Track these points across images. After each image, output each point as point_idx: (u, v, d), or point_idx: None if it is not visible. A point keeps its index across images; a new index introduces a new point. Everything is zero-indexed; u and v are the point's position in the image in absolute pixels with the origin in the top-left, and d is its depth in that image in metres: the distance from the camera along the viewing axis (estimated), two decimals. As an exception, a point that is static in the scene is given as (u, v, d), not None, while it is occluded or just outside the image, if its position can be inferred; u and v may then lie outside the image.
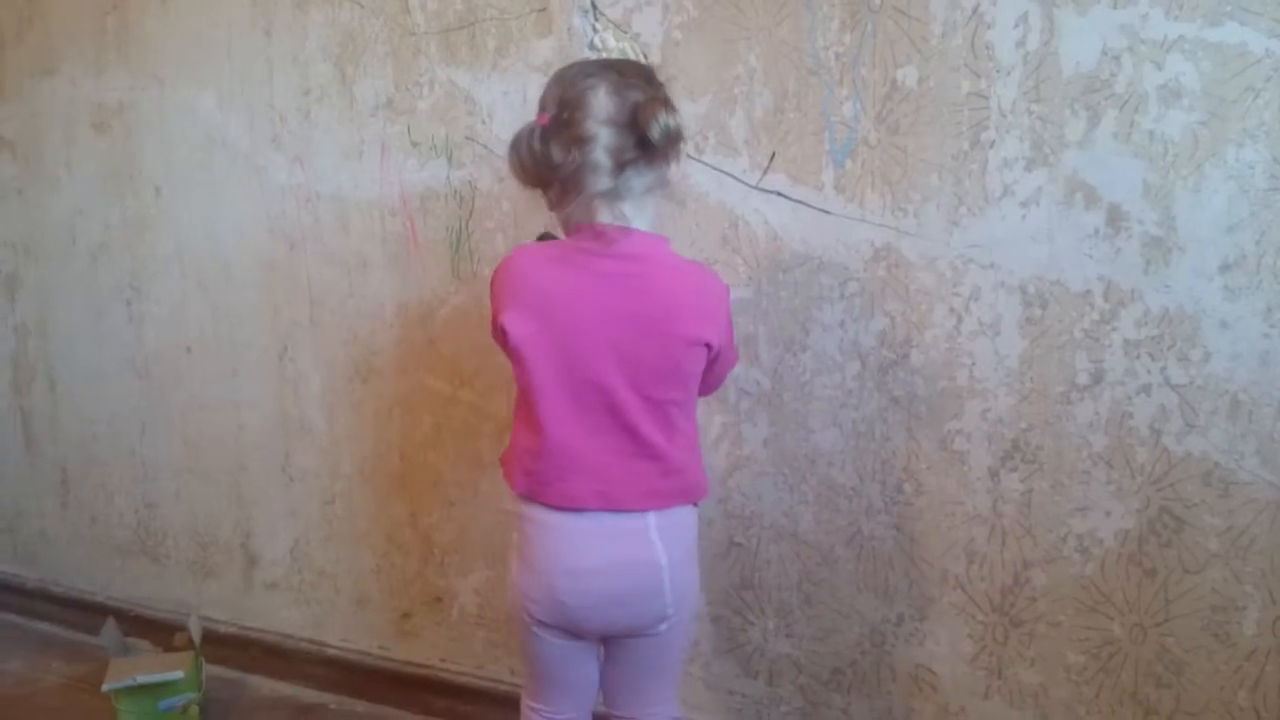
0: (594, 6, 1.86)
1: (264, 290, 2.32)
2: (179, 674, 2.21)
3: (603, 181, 1.37)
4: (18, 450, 2.85)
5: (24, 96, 2.64)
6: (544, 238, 1.54)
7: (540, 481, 1.44)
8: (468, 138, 2.02)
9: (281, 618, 2.43)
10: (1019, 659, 1.67)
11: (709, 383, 1.49)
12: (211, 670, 2.43)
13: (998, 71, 1.57)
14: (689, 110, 1.80)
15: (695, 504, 1.50)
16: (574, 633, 1.48)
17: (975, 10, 1.57)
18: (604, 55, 1.78)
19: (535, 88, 1.90)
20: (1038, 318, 1.58)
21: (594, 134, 1.36)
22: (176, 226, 2.43)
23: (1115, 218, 1.52)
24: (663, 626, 1.48)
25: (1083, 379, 1.57)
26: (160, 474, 2.58)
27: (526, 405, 1.44)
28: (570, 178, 1.38)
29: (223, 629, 2.49)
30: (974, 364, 1.63)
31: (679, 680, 1.57)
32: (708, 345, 1.42)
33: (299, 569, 2.39)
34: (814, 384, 1.76)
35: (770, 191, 1.75)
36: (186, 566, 2.58)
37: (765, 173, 1.75)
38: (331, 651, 2.37)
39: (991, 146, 1.58)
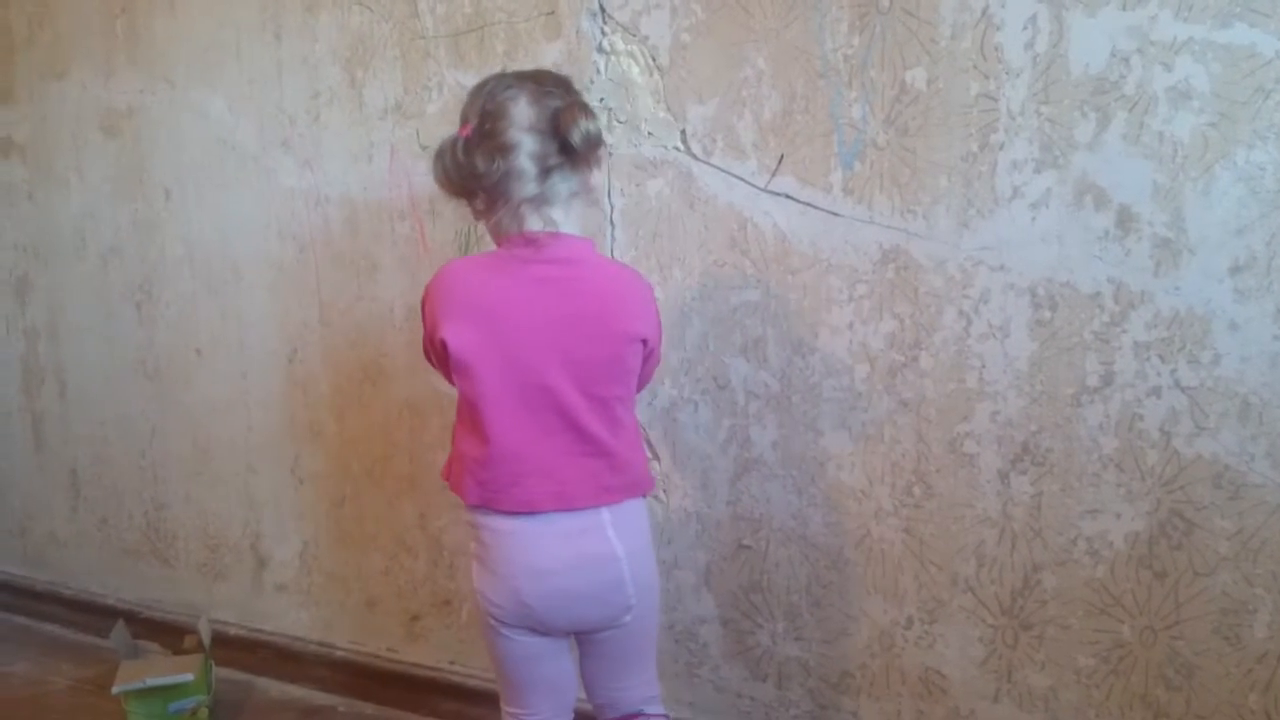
0: (602, 9, 1.86)
1: (273, 292, 2.33)
2: (189, 676, 2.22)
3: (529, 188, 1.42)
4: (28, 452, 2.86)
5: (34, 100, 2.66)
6: None
7: (493, 489, 1.46)
8: (476, 140, 2.02)
9: (291, 620, 2.44)
10: (1029, 662, 1.67)
11: (641, 379, 1.54)
12: (221, 672, 2.43)
13: (1007, 73, 1.57)
14: (697, 112, 1.80)
15: (644, 496, 1.54)
16: (541, 631, 1.51)
17: (984, 12, 1.57)
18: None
19: (544, 90, 1.91)
20: (1047, 320, 1.58)
21: (517, 141, 1.40)
22: (186, 229, 2.43)
23: (1125, 219, 1.52)
24: (628, 617, 1.52)
25: (1093, 381, 1.56)
26: (170, 476, 2.59)
27: (471, 416, 1.46)
28: (496, 186, 1.42)
29: (232, 631, 2.49)
30: (984, 366, 1.63)
31: (654, 660, 1.61)
32: (644, 340, 1.48)
33: (308, 571, 2.40)
34: (822, 386, 1.76)
35: (779, 194, 1.75)
36: (196, 569, 2.58)
37: (774, 175, 1.75)
38: (340, 654, 2.37)
39: (1001, 148, 1.58)
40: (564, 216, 1.45)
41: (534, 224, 1.44)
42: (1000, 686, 1.69)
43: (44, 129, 2.66)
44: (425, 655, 2.27)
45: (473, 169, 1.41)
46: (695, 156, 1.81)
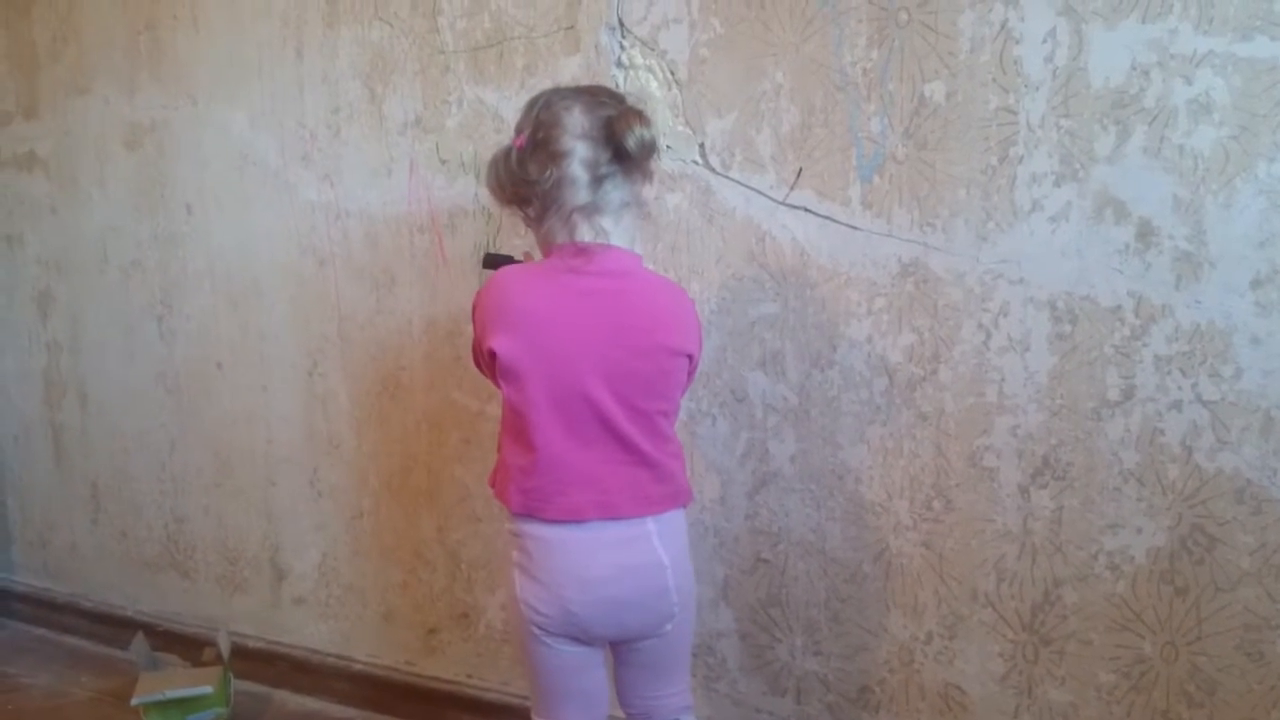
0: (621, 24, 1.87)
1: (293, 306, 2.34)
2: (208, 689, 2.23)
3: (581, 195, 1.43)
4: (49, 465, 2.88)
5: (58, 115, 2.68)
6: (494, 260, 1.60)
7: (539, 498, 1.47)
8: (495, 155, 2.03)
9: (309, 633, 2.44)
10: (1049, 678, 1.65)
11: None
12: (239, 685, 2.44)
13: (1026, 86, 1.57)
14: (716, 126, 1.80)
15: (685, 506, 1.55)
16: (584, 641, 1.51)
17: (1003, 26, 1.57)
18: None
19: (563, 105, 1.92)
20: (1067, 333, 1.57)
21: (570, 148, 1.42)
22: (207, 243, 2.45)
23: (1145, 233, 1.51)
24: (669, 626, 1.53)
25: (1113, 395, 1.56)
26: (190, 489, 2.60)
27: (518, 424, 1.47)
28: (549, 193, 1.43)
29: (251, 644, 2.50)
30: (1003, 380, 1.62)
31: (689, 670, 1.62)
32: (689, 356, 1.49)
33: (326, 584, 2.40)
34: (841, 400, 1.76)
35: (797, 207, 1.75)
36: (215, 581, 2.59)
37: (792, 188, 1.75)
38: (358, 667, 2.37)
39: (1020, 161, 1.58)
40: (614, 226, 1.46)
41: (585, 233, 1.45)
42: (1020, 702, 1.68)
43: (67, 144, 2.68)
44: (443, 668, 2.27)
45: (525, 176, 1.43)
46: (714, 170, 1.82)
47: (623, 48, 1.88)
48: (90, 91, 2.60)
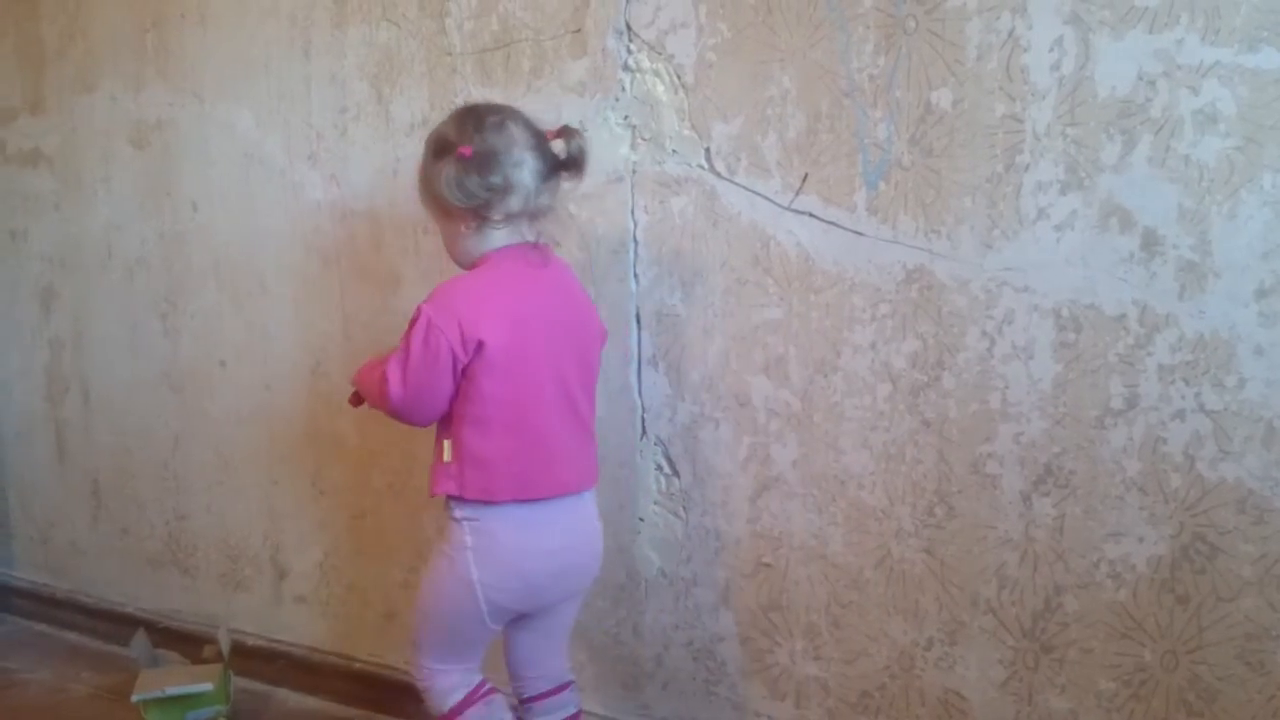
0: (628, 28, 1.87)
1: (298, 305, 2.35)
2: (208, 686, 2.23)
3: (528, 201, 1.61)
4: (51, 461, 2.88)
5: (64, 112, 2.69)
6: None
7: (528, 481, 1.61)
8: (501, 157, 2.03)
9: (310, 631, 2.44)
10: (1050, 685, 1.66)
11: None
12: (240, 682, 2.44)
13: (1032, 95, 1.57)
14: (721, 131, 1.81)
15: None
16: (527, 610, 1.69)
17: (1010, 34, 1.57)
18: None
19: (569, 108, 1.93)
20: (1072, 342, 1.57)
21: (521, 158, 1.59)
22: (212, 242, 2.46)
23: (1150, 242, 1.52)
24: (588, 585, 1.77)
25: (1117, 404, 1.56)
26: (192, 487, 2.60)
27: (505, 412, 1.59)
28: (497, 200, 1.59)
29: (251, 641, 2.50)
30: (1007, 387, 1.63)
31: None
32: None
33: (328, 583, 2.41)
34: (844, 405, 1.76)
35: (802, 212, 1.76)
36: (216, 579, 2.59)
37: (797, 194, 1.75)
38: (359, 666, 2.38)
39: (1026, 170, 1.58)
40: (549, 227, 1.66)
41: (528, 235, 1.64)
42: (1020, 709, 1.68)
43: (73, 141, 2.69)
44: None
45: (479, 185, 1.57)
46: (719, 174, 1.82)
47: (630, 51, 1.88)
48: (97, 88, 2.60)
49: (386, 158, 2.17)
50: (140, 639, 2.42)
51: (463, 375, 1.58)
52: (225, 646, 2.37)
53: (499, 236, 1.62)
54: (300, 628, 2.46)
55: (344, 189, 2.24)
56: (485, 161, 1.57)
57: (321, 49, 2.22)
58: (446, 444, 1.63)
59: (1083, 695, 1.63)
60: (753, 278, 1.81)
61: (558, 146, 1.64)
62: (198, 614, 2.63)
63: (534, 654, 1.77)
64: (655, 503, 1.97)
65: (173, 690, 2.21)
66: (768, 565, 1.87)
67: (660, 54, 1.85)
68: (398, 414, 1.64)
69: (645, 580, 2.00)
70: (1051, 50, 1.55)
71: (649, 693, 2.02)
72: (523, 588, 1.64)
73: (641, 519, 1.98)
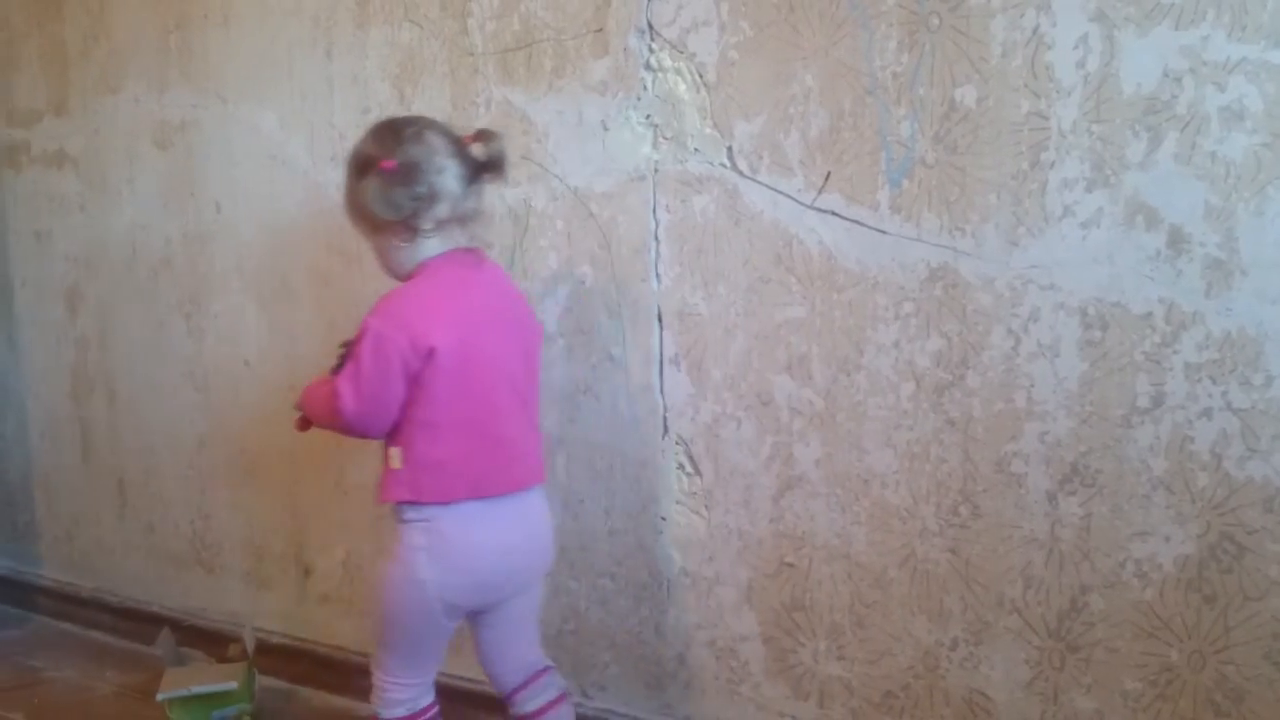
0: (650, 27, 1.87)
1: (321, 305, 2.35)
2: (233, 685, 2.24)
3: (456, 206, 1.65)
4: (76, 460, 2.90)
5: (88, 113, 2.70)
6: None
7: (483, 480, 1.65)
8: (523, 157, 2.03)
9: (333, 630, 2.45)
10: (1075, 685, 1.65)
11: None
12: (264, 681, 2.45)
13: (1058, 92, 1.56)
14: (744, 130, 1.81)
15: None
16: (479, 607, 1.73)
17: (1035, 31, 1.56)
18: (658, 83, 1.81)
19: (591, 107, 1.93)
20: (1098, 340, 1.57)
21: (444, 166, 1.63)
22: (236, 242, 2.47)
23: (1176, 240, 1.51)
24: (542, 576, 1.81)
25: (1143, 402, 1.55)
26: (216, 485, 2.61)
27: (458, 414, 1.62)
28: (426, 209, 1.62)
29: (275, 640, 2.51)
30: (1032, 386, 1.62)
31: None
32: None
33: (351, 581, 2.41)
34: (868, 404, 1.76)
35: (825, 211, 1.75)
36: (241, 577, 2.61)
37: (820, 192, 1.75)
38: (382, 665, 2.38)
39: (1051, 167, 1.57)
40: (479, 230, 1.70)
41: (460, 239, 1.68)
42: (1046, 709, 1.68)
43: (97, 142, 2.70)
44: (464, 667, 2.26)
45: (406, 196, 1.61)
46: (741, 173, 1.82)
47: (651, 50, 1.88)
48: (121, 90, 2.62)
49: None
50: (166, 637, 2.43)
51: (413, 383, 1.61)
52: (250, 645, 2.38)
53: (432, 245, 1.66)
54: (324, 626, 2.46)
55: (366, 189, 2.24)
56: (409, 173, 1.61)
57: (344, 49, 2.23)
58: (395, 451, 1.66)
59: (1109, 695, 1.63)
60: (775, 276, 1.81)
61: (477, 150, 1.68)
62: (222, 612, 2.64)
63: (502, 648, 1.80)
64: (677, 502, 1.97)
65: (198, 689, 2.23)
66: (791, 565, 1.86)
67: (682, 53, 1.85)
68: (350, 428, 1.67)
69: (667, 579, 1.99)
70: (1076, 47, 1.54)
71: (671, 692, 2.02)
72: (474, 584, 1.68)
73: (664, 518, 1.98)
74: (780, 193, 1.79)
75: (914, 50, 1.65)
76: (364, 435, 1.69)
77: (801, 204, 1.77)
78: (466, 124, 2.06)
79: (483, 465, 1.65)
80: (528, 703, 1.82)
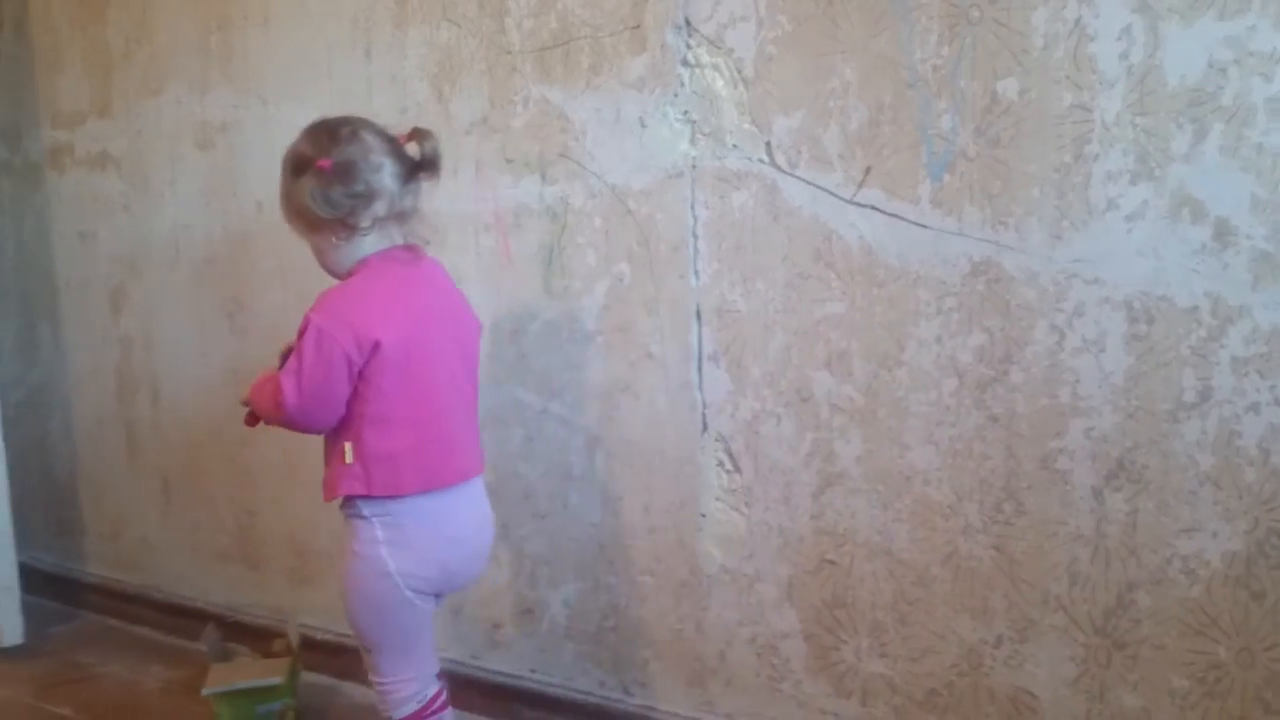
0: (688, 23, 1.87)
1: (361, 304, 2.36)
2: (277, 679, 2.26)
3: (394, 204, 1.68)
4: (121, 458, 2.94)
5: (131, 115, 2.74)
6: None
7: (433, 471, 1.69)
8: (561, 155, 2.04)
9: (375, 626, 2.46)
10: (1122, 683, 1.63)
11: None
12: (307, 676, 2.47)
13: (1101, 84, 1.54)
14: (782, 125, 1.80)
15: None
16: (442, 593, 1.77)
17: (1077, 23, 1.55)
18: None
19: (628, 104, 1.93)
20: (1143, 334, 1.55)
21: (380, 164, 1.66)
22: (278, 241, 2.47)
23: (1223, 232, 1.49)
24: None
25: (1190, 397, 1.53)
26: (260, 483, 2.64)
27: (405, 407, 1.66)
28: (364, 208, 1.65)
29: (319, 635, 2.53)
30: (1077, 381, 1.60)
31: None
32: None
33: (392, 579, 2.43)
34: (909, 400, 1.74)
35: (865, 205, 1.74)
36: (284, 573, 2.63)
37: (860, 187, 1.74)
38: (424, 661, 2.39)
39: (1095, 160, 1.56)
40: (417, 227, 1.74)
41: (398, 237, 1.72)
42: (1092, 707, 1.66)
43: (140, 143, 2.73)
44: (507, 663, 2.29)
45: (343, 194, 1.64)
46: (780, 169, 1.81)
47: (689, 46, 1.88)
48: (162, 91, 2.65)
49: (446, 157, 2.14)
50: (211, 633, 2.46)
51: (359, 378, 1.65)
52: (294, 640, 2.40)
53: (370, 242, 1.69)
54: (366, 622, 2.48)
55: (405, 188, 2.25)
56: (345, 171, 1.64)
57: (382, 49, 2.24)
58: (347, 446, 1.68)
59: (1156, 693, 1.61)
60: (815, 272, 1.80)
61: (412, 149, 1.71)
62: (267, 608, 2.66)
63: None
64: (717, 498, 1.97)
65: (243, 684, 2.25)
66: (831, 562, 1.86)
67: (719, 48, 1.84)
68: (292, 422, 1.70)
69: (707, 576, 1.99)
70: (1119, 39, 1.52)
71: (712, 689, 2.02)
72: (440, 574, 1.73)
73: (703, 515, 1.98)
74: (819, 188, 1.78)
75: (954, 43, 1.64)
76: (306, 430, 1.73)
77: (841, 199, 1.76)
78: (504, 123, 2.08)
79: (431, 457, 1.69)
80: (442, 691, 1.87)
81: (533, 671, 2.25)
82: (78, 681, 2.60)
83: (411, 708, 1.78)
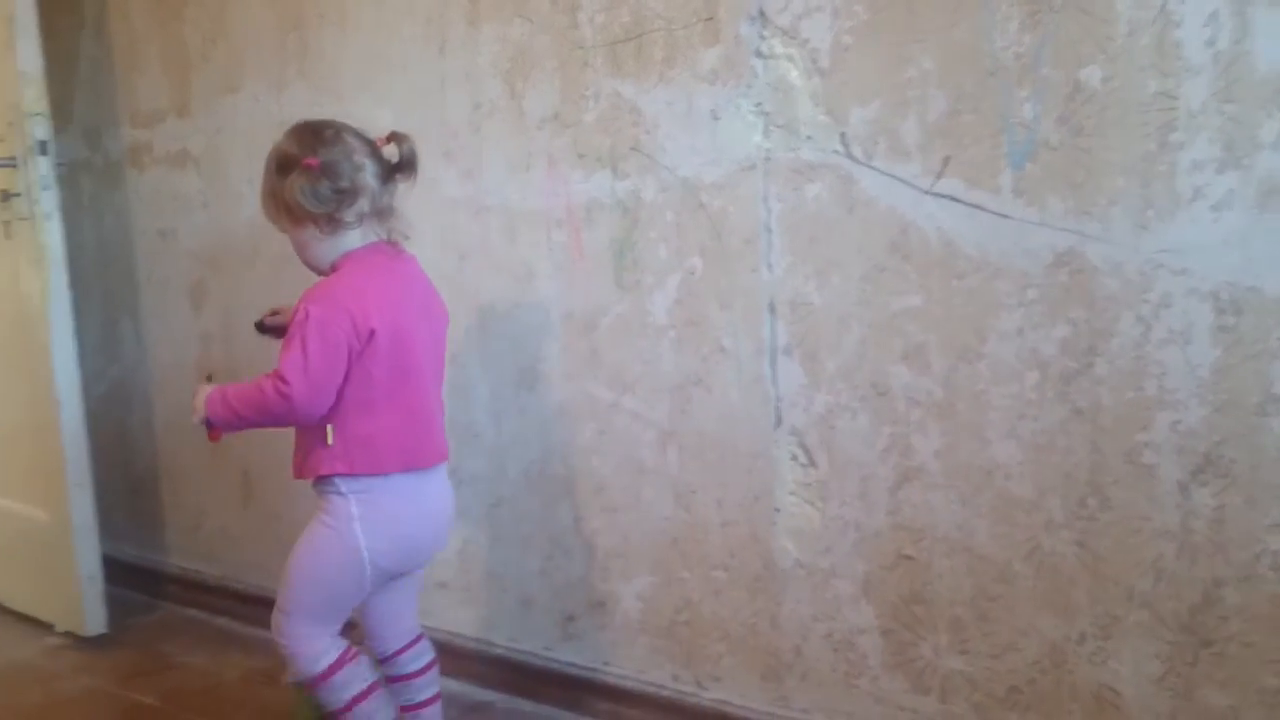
0: (762, 14, 1.86)
1: (434, 299, 2.38)
2: (355, 670, 2.28)
3: (375, 202, 1.79)
4: (202, 452, 2.98)
5: (209, 113, 2.78)
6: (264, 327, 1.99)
7: (413, 452, 1.81)
8: (632, 149, 2.04)
9: (451, 617, 2.49)
10: (1208, 681, 1.60)
11: None
12: (383, 667, 2.50)
13: (1186, 71, 1.51)
14: (858, 115, 1.78)
15: None
16: (405, 571, 1.88)
17: (1162, 9, 1.51)
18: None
19: (702, 98, 1.93)
20: (1231, 325, 1.51)
21: (363, 164, 1.78)
22: (352, 238, 2.51)
23: (1315, 221, 1.45)
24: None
25: (1280, 390, 1.49)
26: (335, 476, 2.67)
27: (389, 392, 1.77)
28: (348, 204, 1.76)
29: (394, 627, 2.56)
30: (1164, 374, 1.57)
31: None
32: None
33: (467, 570, 2.45)
34: (990, 393, 1.72)
35: (944, 196, 1.72)
36: (359, 566, 2.65)
37: (939, 177, 1.72)
38: (498, 651, 2.42)
39: (1181, 148, 1.52)
40: (397, 224, 1.85)
41: (379, 233, 1.83)
42: (1178, 705, 1.63)
43: (218, 142, 2.78)
44: (580, 655, 2.30)
45: (330, 190, 1.75)
46: (855, 159, 1.80)
47: (763, 37, 1.87)
48: (240, 90, 2.69)
49: (519, 152, 2.20)
50: (290, 623, 2.49)
51: (353, 363, 1.74)
52: (370, 631, 2.43)
53: (352, 237, 1.80)
54: (441, 613, 2.50)
55: (478, 184, 2.27)
56: (331, 169, 1.75)
57: (456, 46, 2.25)
58: (330, 429, 1.77)
59: (1244, 691, 1.57)
60: (891, 264, 1.79)
61: (390, 151, 1.82)
62: (342, 600, 2.69)
63: (393, 614, 1.95)
64: (791, 493, 1.96)
65: (322, 674, 2.28)
66: (909, 557, 1.84)
67: (794, 39, 1.83)
68: (295, 412, 1.76)
69: (782, 571, 1.98)
70: (1206, 25, 1.49)
71: (788, 684, 2.01)
72: (408, 549, 1.85)
73: (777, 509, 1.97)
74: (896, 178, 1.76)
75: (1036, 30, 1.61)
76: (308, 420, 1.78)
77: (919, 189, 1.74)
78: (576, 118, 2.09)
79: (410, 440, 1.80)
80: (410, 664, 1.97)
81: (605, 664, 2.26)
82: (160, 671, 2.65)
83: (331, 656, 1.86)
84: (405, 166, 1.84)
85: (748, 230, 1.93)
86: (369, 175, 1.78)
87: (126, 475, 3.21)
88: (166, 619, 3.01)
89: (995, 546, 1.75)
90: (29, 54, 2.65)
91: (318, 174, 1.75)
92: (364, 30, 2.41)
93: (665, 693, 2.16)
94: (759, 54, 1.87)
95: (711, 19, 1.91)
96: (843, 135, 1.81)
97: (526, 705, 2.36)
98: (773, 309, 1.93)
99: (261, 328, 2.05)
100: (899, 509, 1.84)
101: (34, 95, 2.66)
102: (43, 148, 2.67)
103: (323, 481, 1.82)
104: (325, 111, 2.47)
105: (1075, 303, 1.63)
